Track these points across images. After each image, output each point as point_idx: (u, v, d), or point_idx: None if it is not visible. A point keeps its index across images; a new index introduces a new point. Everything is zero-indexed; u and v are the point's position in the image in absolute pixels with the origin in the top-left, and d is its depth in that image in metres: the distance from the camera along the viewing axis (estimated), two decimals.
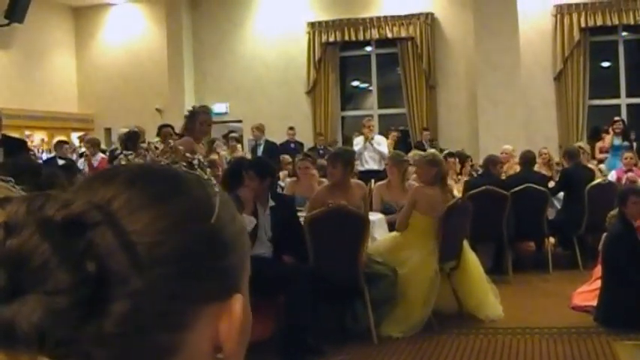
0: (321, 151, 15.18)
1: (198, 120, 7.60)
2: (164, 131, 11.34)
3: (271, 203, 6.66)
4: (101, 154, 13.17)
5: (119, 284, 0.75)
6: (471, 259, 7.70)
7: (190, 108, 8.20)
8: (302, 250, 6.58)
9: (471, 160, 12.71)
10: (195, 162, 4.58)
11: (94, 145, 13.27)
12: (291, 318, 6.13)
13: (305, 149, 14.90)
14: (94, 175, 0.87)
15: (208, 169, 4.22)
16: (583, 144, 13.51)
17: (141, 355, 0.77)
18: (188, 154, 5.55)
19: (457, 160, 12.24)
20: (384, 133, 15.83)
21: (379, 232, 7.70)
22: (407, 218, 7.33)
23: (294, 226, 6.72)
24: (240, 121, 18.79)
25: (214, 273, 0.84)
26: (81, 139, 14.65)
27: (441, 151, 13.27)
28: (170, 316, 0.79)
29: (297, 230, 6.65)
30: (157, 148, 9.82)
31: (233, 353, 0.85)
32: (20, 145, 8.49)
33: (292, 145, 16.00)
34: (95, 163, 12.38)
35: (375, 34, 18.22)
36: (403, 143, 16.36)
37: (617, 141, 14.40)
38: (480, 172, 11.26)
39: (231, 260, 0.86)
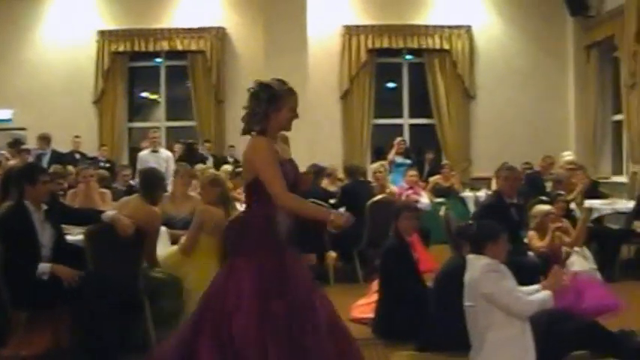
0: (102, 163, 14.99)
1: (286, 106, 4.98)
2: None
3: (44, 206, 6.42)
4: None
5: None
6: None
7: (256, 84, 5.07)
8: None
9: None
10: None
11: None
12: (78, 331, 6.04)
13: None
14: None
15: None
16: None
17: None
18: None
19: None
20: (170, 146, 15.83)
21: (160, 246, 7.61)
22: (194, 240, 7.27)
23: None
24: (24, 129, 18.13)
25: None
26: None
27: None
28: None
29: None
30: None
31: None
32: None
33: (77, 156, 15.62)
34: None
35: (165, 45, 18.07)
36: (190, 156, 16.29)
37: (400, 159, 15.01)
38: None
39: None
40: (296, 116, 5.04)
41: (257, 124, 4.95)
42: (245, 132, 5.02)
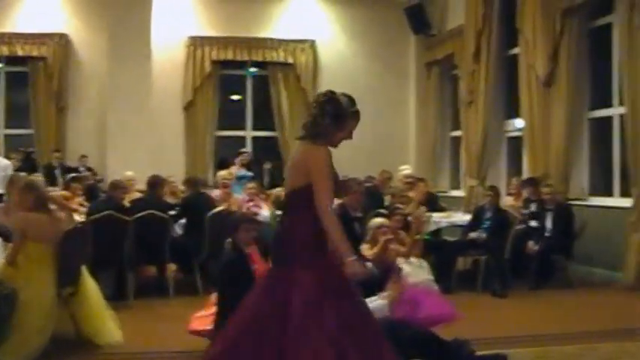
0: None
1: (347, 128, 5.03)
2: None
3: None
4: None
5: None
6: (90, 284, 7.61)
7: (327, 95, 5.01)
8: None
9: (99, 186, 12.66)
10: None
11: None
12: None
13: None
14: None
15: None
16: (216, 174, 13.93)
17: None
18: None
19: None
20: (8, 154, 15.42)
21: None
22: (17, 250, 7.01)
23: None
24: None
25: None
26: None
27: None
28: None
29: None
30: None
31: None
32: None
33: None
34: None
35: (5, 50, 17.54)
36: (29, 164, 15.94)
37: (242, 172, 15.02)
38: (102, 197, 11.25)
39: None
40: (350, 138, 5.08)
41: (316, 135, 4.92)
42: (302, 138, 4.99)
